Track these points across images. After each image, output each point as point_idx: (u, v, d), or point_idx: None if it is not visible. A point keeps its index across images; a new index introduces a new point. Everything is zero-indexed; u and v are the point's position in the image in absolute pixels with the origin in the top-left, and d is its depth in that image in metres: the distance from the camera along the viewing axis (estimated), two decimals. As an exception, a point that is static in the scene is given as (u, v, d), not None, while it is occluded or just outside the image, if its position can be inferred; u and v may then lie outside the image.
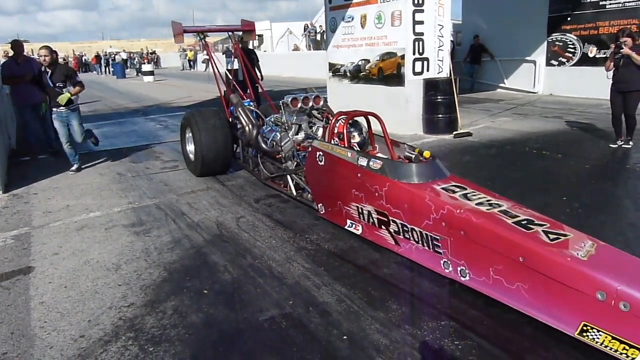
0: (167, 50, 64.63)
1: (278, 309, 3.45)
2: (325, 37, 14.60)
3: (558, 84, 15.22)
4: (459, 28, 20.09)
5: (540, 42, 15.66)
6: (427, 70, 9.97)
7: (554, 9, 15.14)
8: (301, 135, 5.56)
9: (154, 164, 8.19)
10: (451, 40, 18.11)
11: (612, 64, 7.67)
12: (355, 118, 5.08)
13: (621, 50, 7.46)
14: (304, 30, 36.29)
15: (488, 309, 3.31)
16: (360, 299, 3.56)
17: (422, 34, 9.81)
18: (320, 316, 3.35)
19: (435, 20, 9.80)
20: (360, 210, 4.31)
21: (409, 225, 3.87)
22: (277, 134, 5.69)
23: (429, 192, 3.79)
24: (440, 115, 9.70)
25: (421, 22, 9.72)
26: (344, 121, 4.87)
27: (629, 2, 13.52)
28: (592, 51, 14.31)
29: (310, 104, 5.65)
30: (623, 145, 7.90)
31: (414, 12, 9.62)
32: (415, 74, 9.92)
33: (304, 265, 4.12)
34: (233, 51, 8.33)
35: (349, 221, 4.51)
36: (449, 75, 10.03)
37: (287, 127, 5.60)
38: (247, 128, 6.28)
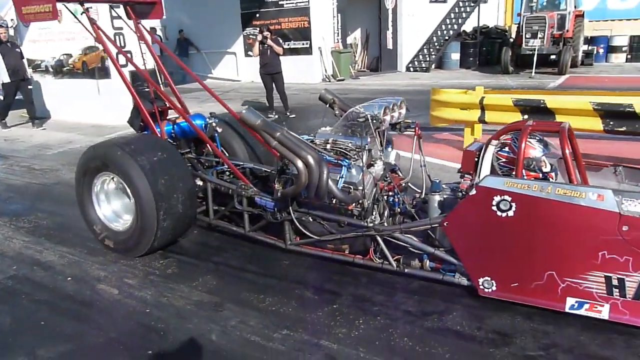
0: None
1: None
2: (19, 32, 13.69)
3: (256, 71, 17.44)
4: (164, 23, 20.87)
5: (237, 35, 17.66)
6: (132, 63, 10.56)
7: (245, 7, 17.26)
8: (380, 168, 3.76)
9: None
10: (158, 35, 18.93)
11: (259, 51, 10.27)
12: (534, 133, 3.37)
13: (267, 41, 10.06)
14: (-8, 24, 31.97)
15: None
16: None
17: (121, 28, 10.33)
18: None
19: (133, 15, 10.44)
20: (614, 283, 2.85)
21: None
22: (352, 170, 3.49)
23: None
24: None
25: (118, 17, 10.23)
26: (534, 142, 3.28)
27: (300, 2, 16.38)
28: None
29: (396, 114, 3.92)
30: (290, 116, 10.34)
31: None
32: (122, 66, 10.39)
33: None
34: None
35: (573, 300, 2.98)
36: (154, 67, 10.81)
37: (357, 157, 3.56)
38: (299, 166, 3.39)
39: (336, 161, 3.51)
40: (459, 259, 3.26)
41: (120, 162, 3.89)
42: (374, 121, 3.59)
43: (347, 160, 3.50)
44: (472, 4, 19.65)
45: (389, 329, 3.10)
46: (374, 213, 3.53)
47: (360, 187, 3.42)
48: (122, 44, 10.43)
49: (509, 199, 2.95)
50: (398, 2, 18.53)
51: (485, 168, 3.34)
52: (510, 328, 3.06)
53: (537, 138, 3.29)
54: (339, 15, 17.02)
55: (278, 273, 3.87)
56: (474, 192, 3.11)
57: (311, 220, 3.70)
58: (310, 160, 3.35)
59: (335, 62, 16.87)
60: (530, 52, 15.60)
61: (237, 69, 17.88)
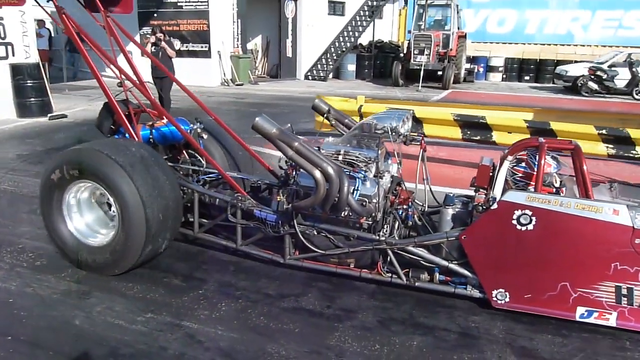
0: None
1: None
2: None
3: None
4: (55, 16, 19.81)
5: (133, 34, 17.18)
6: (13, 55, 10.06)
7: (142, 5, 16.86)
8: (388, 180, 3.71)
9: None
10: (47, 29, 17.96)
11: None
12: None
13: (160, 43, 9.54)
14: None
15: None
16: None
17: (2, 18, 9.82)
18: None
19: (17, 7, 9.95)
20: (623, 292, 3.06)
21: None
22: (367, 182, 3.44)
23: None
24: (32, 99, 10.02)
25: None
26: (549, 158, 3.40)
27: (200, 5, 16.37)
28: (177, 44, 16.69)
29: (406, 127, 3.87)
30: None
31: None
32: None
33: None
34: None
35: (583, 309, 3.14)
36: (37, 61, 10.36)
37: (367, 169, 3.52)
38: (318, 178, 3.21)
39: (350, 173, 3.40)
40: (473, 271, 3.31)
41: (104, 168, 3.46)
42: (393, 133, 3.57)
43: (362, 172, 3.44)
44: (368, 19, 20.73)
45: (248, 310, 3.39)
46: (385, 226, 3.50)
47: (375, 200, 3.38)
48: (3, 35, 9.91)
49: (530, 213, 3.05)
50: (298, 12, 19.09)
51: (500, 183, 3.39)
52: (355, 306, 3.48)
53: (550, 155, 3.40)
54: (239, 20, 17.21)
55: (149, 263, 3.97)
56: (495, 206, 3.16)
57: (315, 233, 3.54)
58: (331, 172, 3.16)
59: (234, 66, 17.01)
60: (418, 67, 16.80)
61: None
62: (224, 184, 4.29)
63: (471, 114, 6.65)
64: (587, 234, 3.00)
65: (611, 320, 3.10)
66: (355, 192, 3.34)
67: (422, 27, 17.95)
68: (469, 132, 6.56)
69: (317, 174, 3.18)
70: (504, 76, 20.99)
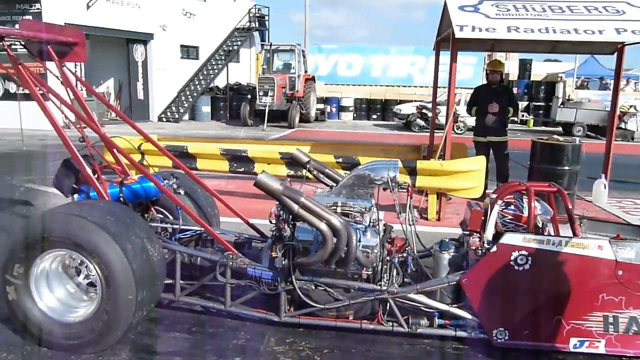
0: None
1: None
2: None
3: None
4: None
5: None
6: None
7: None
8: (382, 229, 3.68)
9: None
10: None
11: None
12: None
13: None
14: None
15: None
16: None
17: None
18: None
19: None
20: (610, 320, 3.28)
21: None
22: (367, 233, 3.41)
23: None
24: None
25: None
26: (536, 202, 3.57)
27: (36, 47, 16.05)
28: (13, 88, 16.23)
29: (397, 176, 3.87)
30: None
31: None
32: None
33: None
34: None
35: (575, 340, 3.32)
36: None
37: (363, 219, 3.51)
38: (325, 231, 3.15)
39: (352, 225, 3.33)
40: (473, 313, 3.37)
41: (82, 234, 3.09)
42: (392, 183, 3.63)
43: (364, 223, 3.41)
44: (223, 62, 21.47)
45: None
46: (384, 275, 3.45)
47: (376, 250, 3.36)
48: None
49: (526, 253, 3.20)
50: (148, 56, 19.34)
51: (491, 225, 3.50)
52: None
53: (535, 198, 3.56)
54: (82, 63, 17.07)
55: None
56: (495, 249, 3.26)
57: (313, 288, 3.43)
58: (339, 225, 3.11)
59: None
60: (263, 108, 17.66)
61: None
62: (198, 241, 4.08)
63: (236, 148, 7.25)
64: (577, 269, 3.20)
65: (600, 347, 3.27)
66: (359, 243, 3.29)
67: (268, 70, 18.98)
68: (235, 165, 7.12)
69: (324, 227, 3.11)
70: (355, 115, 22.61)
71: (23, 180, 8.24)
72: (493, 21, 5.95)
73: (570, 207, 3.64)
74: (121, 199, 3.95)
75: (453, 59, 6.22)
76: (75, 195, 4.03)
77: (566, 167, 6.64)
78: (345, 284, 3.39)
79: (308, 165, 4.14)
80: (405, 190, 3.81)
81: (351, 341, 3.45)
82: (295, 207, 3.15)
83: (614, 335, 3.26)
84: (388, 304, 3.40)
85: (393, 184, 3.61)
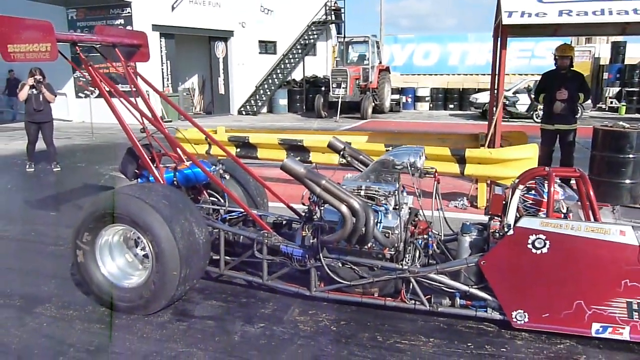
0: None
1: None
2: None
3: (86, 111, 18.06)
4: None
5: (68, 77, 18.21)
6: None
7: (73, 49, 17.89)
8: (406, 212, 3.89)
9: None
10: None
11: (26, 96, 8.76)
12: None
13: (40, 87, 8.78)
14: None
15: None
16: None
17: None
18: None
19: None
20: (634, 307, 3.25)
21: None
22: (389, 215, 3.64)
23: None
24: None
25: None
26: (558, 187, 3.64)
27: (128, 48, 17.42)
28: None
29: (421, 161, 3.96)
30: (54, 169, 9.28)
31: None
32: None
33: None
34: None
35: (598, 325, 3.31)
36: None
37: (387, 202, 3.68)
38: (345, 212, 3.38)
39: (373, 207, 3.54)
40: (493, 294, 3.45)
41: (140, 214, 3.56)
42: (412, 168, 3.74)
43: (385, 205, 3.59)
44: (300, 56, 22.04)
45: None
46: (406, 256, 3.67)
47: (397, 231, 3.55)
48: None
49: (544, 237, 3.24)
50: (228, 52, 20.31)
51: (512, 210, 3.54)
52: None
53: (558, 183, 3.61)
54: (169, 62, 18.32)
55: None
56: (511, 232, 3.33)
57: (340, 265, 3.68)
58: (357, 206, 3.32)
59: (164, 105, 18.01)
60: (336, 99, 17.97)
61: (67, 109, 18.32)
62: (244, 221, 4.48)
63: (292, 138, 7.61)
64: (598, 254, 3.19)
65: (625, 334, 3.24)
66: (379, 224, 3.50)
67: (341, 62, 19.23)
68: (292, 154, 7.49)
69: (344, 208, 3.32)
70: (431, 105, 22.27)
71: (109, 169, 9.15)
72: (544, 5, 5.79)
73: (590, 192, 3.55)
74: (175, 182, 4.45)
75: (503, 46, 6.14)
76: (138, 179, 4.59)
77: (630, 155, 6.30)
78: (369, 262, 3.59)
79: (343, 152, 4.42)
80: (432, 176, 3.97)
81: (368, 315, 3.68)
82: (317, 189, 3.38)
83: (639, 322, 3.22)
84: (411, 283, 3.57)
85: (412, 168, 3.71)
